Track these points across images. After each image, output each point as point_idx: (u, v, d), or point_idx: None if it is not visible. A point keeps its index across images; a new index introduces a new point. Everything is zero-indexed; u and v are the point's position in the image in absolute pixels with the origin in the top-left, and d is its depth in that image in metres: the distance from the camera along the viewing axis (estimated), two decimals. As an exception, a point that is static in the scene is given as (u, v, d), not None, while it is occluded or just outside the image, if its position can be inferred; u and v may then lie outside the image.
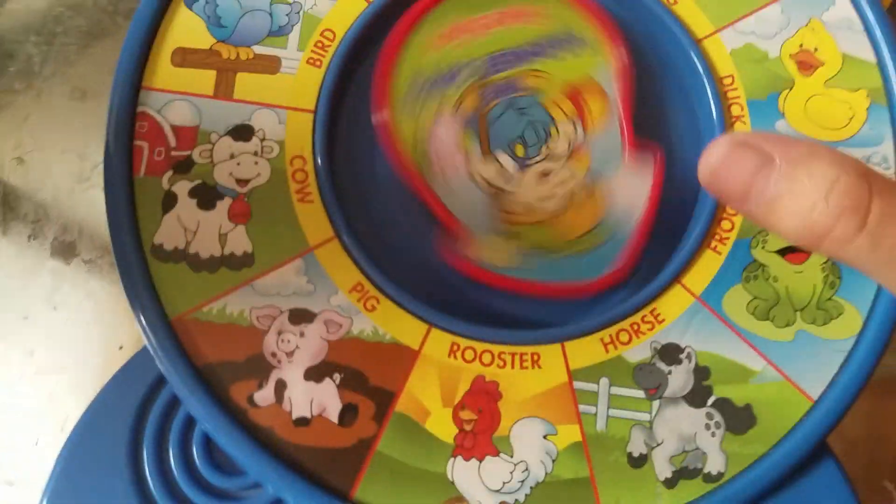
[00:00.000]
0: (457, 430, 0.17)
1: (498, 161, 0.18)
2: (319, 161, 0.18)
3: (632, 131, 0.18)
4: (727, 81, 0.19)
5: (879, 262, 0.13)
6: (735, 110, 0.19)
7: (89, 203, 0.25)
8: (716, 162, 0.14)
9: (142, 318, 0.17)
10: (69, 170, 0.25)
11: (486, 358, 0.18)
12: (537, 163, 0.18)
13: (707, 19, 0.19)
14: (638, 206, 0.18)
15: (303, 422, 0.17)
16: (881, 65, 0.19)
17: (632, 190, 0.18)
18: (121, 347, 0.23)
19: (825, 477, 0.17)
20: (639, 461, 0.17)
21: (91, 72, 0.25)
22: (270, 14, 0.18)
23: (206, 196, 0.18)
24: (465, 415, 0.17)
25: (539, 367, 0.18)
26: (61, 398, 0.23)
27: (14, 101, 0.25)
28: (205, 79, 0.18)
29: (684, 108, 0.19)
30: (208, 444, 0.17)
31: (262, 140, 0.18)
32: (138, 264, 0.17)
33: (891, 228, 0.13)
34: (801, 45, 0.19)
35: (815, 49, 0.19)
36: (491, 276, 0.18)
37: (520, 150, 0.18)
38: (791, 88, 0.19)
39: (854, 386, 0.17)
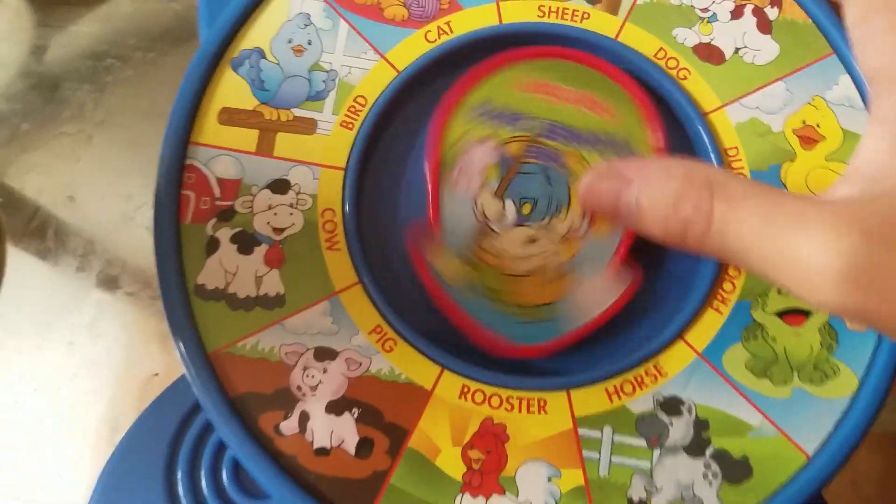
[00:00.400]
0: (465, 469, 0.18)
1: (503, 204, 0.20)
2: (347, 213, 0.20)
3: (625, 254, 0.19)
4: (731, 152, 0.21)
5: (730, 254, 0.15)
6: (738, 177, 0.20)
7: (133, 240, 0.27)
8: (585, 188, 0.17)
9: (182, 351, 0.19)
10: (116, 209, 0.27)
11: (495, 401, 0.19)
12: (533, 227, 0.20)
13: (714, 94, 0.21)
14: (592, 312, 0.19)
15: (323, 452, 0.18)
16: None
17: (595, 298, 0.19)
18: (156, 375, 0.25)
19: (820, 532, 0.18)
20: (638, 507, 0.18)
21: (138, 120, 0.28)
22: (309, 80, 0.21)
23: (246, 242, 0.20)
24: (474, 454, 0.19)
25: (545, 412, 0.19)
26: (100, 421, 0.25)
27: (66, 143, 0.28)
28: (248, 137, 0.20)
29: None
30: (236, 469, 0.19)
31: (298, 193, 0.20)
32: (182, 301, 0.19)
33: (732, 227, 0.15)
34: (803, 121, 0.21)
35: (818, 125, 0.20)
36: (434, 288, 0.19)
37: (526, 209, 0.20)
38: (793, 161, 0.20)
39: (849, 443, 0.18)
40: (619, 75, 0.20)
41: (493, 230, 0.20)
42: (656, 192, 0.16)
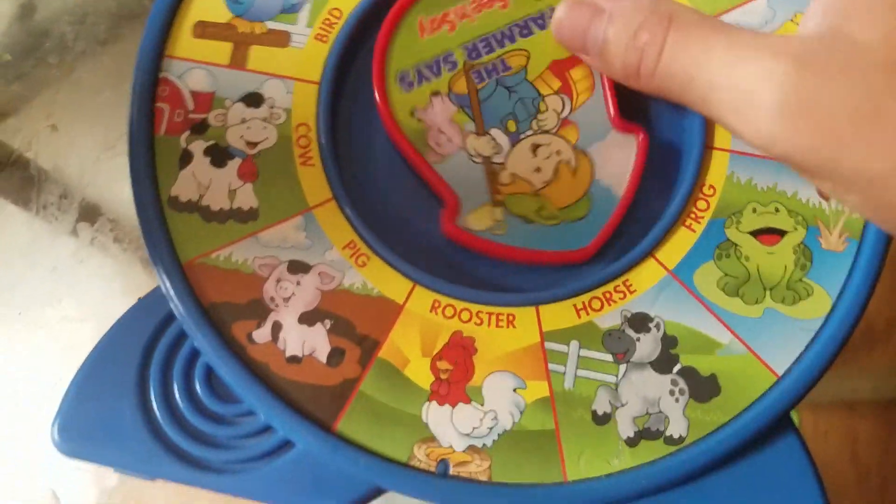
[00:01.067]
0: (433, 379, 0.19)
1: (492, 137, 0.20)
2: (322, 129, 0.20)
3: (616, 102, 0.19)
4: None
5: (676, 87, 0.16)
6: (718, 96, 0.20)
7: (114, 168, 0.27)
8: (559, 17, 0.18)
9: (157, 261, 0.19)
10: (96, 139, 0.28)
11: (465, 316, 0.19)
12: (528, 137, 0.20)
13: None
14: (622, 178, 0.19)
15: (295, 360, 0.19)
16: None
17: (616, 160, 0.19)
18: (140, 297, 0.26)
19: (787, 450, 0.19)
20: (603, 419, 0.18)
21: (119, 50, 0.28)
22: (285, -8, 0.20)
23: (219, 155, 0.20)
24: (442, 365, 0.19)
25: (514, 326, 0.19)
26: (83, 342, 0.25)
27: (48, 74, 0.28)
28: (222, 50, 0.20)
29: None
30: (209, 376, 0.19)
31: (272, 108, 0.20)
32: (156, 213, 0.20)
33: (681, 54, 0.15)
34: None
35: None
36: (479, 242, 0.19)
37: (511, 126, 0.20)
38: (774, 77, 0.20)
39: (819, 364, 0.19)
40: None
41: (498, 164, 0.20)
42: (622, 22, 0.17)
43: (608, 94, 0.20)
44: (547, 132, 0.20)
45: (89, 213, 0.27)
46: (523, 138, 0.20)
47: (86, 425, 0.19)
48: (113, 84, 0.28)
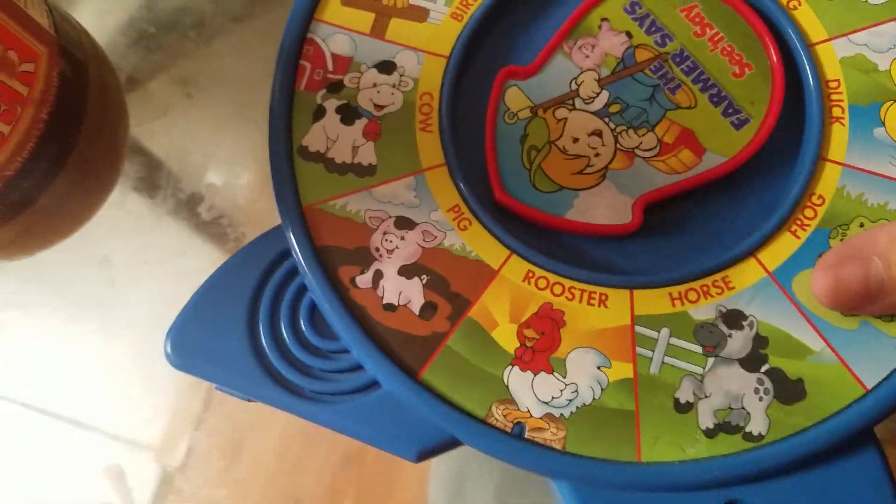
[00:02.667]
0: (518, 345, 0.20)
1: (600, 92, 0.21)
2: (444, 99, 0.22)
3: (655, 198, 0.21)
4: (833, 85, 0.21)
5: None
6: (836, 112, 0.21)
7: (244, 135, 0.30)
8: (827, 285, 0.19)
9: (281, 200, 0.21)
10: (227, 107, 0.30)
11: (557, 289, 0.20)
12: (608, 124, 0.21)
13: (822, 27, 0.22)
14: (584, 217, 0.21)
15: (390, 307, 0.20)
16: None
17: (593, 208, 0.21)
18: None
19: (866, 465, 0.18)
20: (684, 408, 0.19)
21: (252, 27, 0.30)
22: (429, -27, 0.23)
23: (349, 114, 0.22)
24: (529, 333, 0.20)
25: (605, 306, 0.20)
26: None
27: (186, 47, 0.30)
28: (365, 19, 0.23)
29: (789, 103, 0.21)
30: (312, 311, 0.21)
31: (402, 75, 0.22)
32: (286, 159, 0.22)
33: None
34: (912, 63, 0.21)
35: (927, 68, 0.21)
36: (528, 211, 0.21)
37: (615, 108, 0.21)
38: (895, 101, 0.21)
39: (912, 384, 0.18)
40: (758, 25, 0.21)
41: (573, 105, 0.21)
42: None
43: (664, 189, 0.21)
44: (617, 139, 0.21)
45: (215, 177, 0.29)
46: (605, 121, 0.21)
47: (196, 343, 0.21)
48: (245, 57, 0.31)
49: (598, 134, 0.21)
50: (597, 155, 0.21)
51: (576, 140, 0.21)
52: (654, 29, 0.22)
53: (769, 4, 0.22)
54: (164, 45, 0.30)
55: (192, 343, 0.21)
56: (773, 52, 0.21)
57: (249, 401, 0.21)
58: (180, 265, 0.28)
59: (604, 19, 0.22)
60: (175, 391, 0.28)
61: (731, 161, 0.21)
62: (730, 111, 0.21)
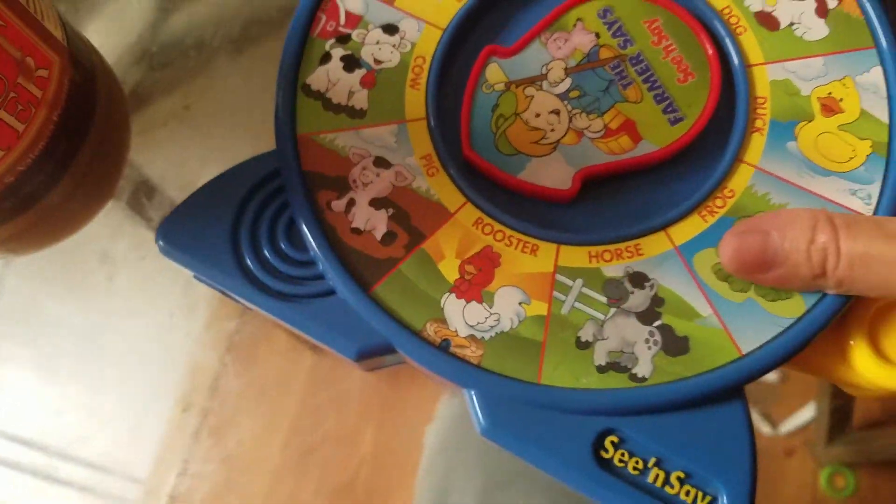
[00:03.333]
0: (458, 276, 0.24)
1: (564, 78, 0.25)
2: (434, 64, 0.26)
3: (591, 173, 0.25)
4: (760, 101, 0.25)
5: (863, 272, 0.20)
6: (758, 123, 0.25)
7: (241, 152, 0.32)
8: (732, 250, 0.22)
9: (280, 126, 0.25)
10: (223, 119, 0.33)
11: (499, 236, 0.24)
12: (565, 105, 0.25)
13: (761, 52, 0.25)
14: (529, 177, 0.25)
15: (357, 231, 0.24)
16: (892, 126, 0.24)
17: (539, 173, 0.25)
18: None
19: (731, 414, 0.22)
20: (584, 345, 0.23)
21: (251, 48, 0.33)
22: (438, -45, 0.27)
23: (351, 63, 0.26)
24: (469, 268, 0.24)
25: (535, 255, 0.24)
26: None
27: (187, 65, 0.33)
28: (378, -13, 0.27)
29: (721, 112, 0.25)
30: (289, 226, 0.25)
31: (402, 38, 0.26)
32: (290, 91, 0.26)
33: (857, 242, 0.20)
34: (829, 93, 0.25)
35: (841, 99, 0.24)
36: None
37: (574, 94, 0.25)
38: (810, 122, 0.24)
39: (779, 354, 0.22)
40: (706, 42, 0.25)
41: (540, 86, 0.25)
42: (794, 232, 0.21)
43: (602, 167, 0.25)
44: (571, 119, 0.25)
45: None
46: (564, 102, 0.25)
47: (184, 236, 0.25)
48: (242, 75, 0.33)
49: (557, 113, 0.25)
50: (552, 130, 0.25)
51: (537, 115, 0.25)
52: (619, 33, 0.25)
53: (718, 27, 0.26)
54: (165, 63, 0.33)
55: (180, 236, 0.25)
56: (714, 65, 0.25)
57: (223, 293, 0.25)
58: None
59: (579, 19, 0.26)
60: (167, 421, 0.29)
61: (661, 150, 0.24)
62: (669, 110, 0.25)
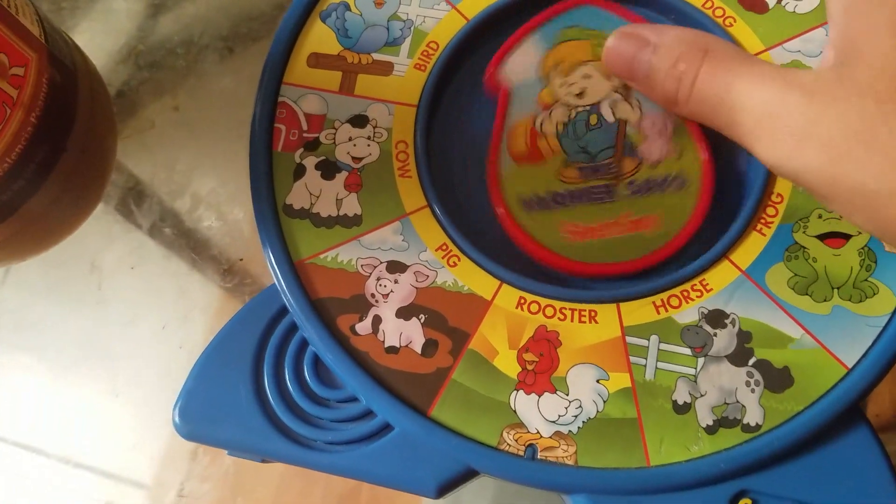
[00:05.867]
0: (520, 369, 0.22)
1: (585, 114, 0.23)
2: (418, 145, 0.24)
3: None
4: (775, 90, 0.23)
5: (707, 111, 0.19)
6: (781, 114, 0.23)
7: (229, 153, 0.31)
8: (609, 45, 0.21)
9: (272, 260, 0.23)
10: (212, 120, 0.31)
11: (549, 311, 0.22)
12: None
13: (758, 40, 0.24)
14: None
15: (393, 350, 0.22)
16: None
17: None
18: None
19: (858, 439, 0.20)
20: (683, 408, 0.21)
21: (239, 45, 0.32)
22: (387, 28, 0.25)
23: (328, 169, 0.24)
24: (528, 357, 0.22)
25: (596, 322, 0.22)
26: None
27: (175, 64, 0.32)
28: (333, 78, 0.24)
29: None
30: (316, 363, 0.23)
31: (375, 127, 0.24)
32: (272, 218, 0.23)
33: (712, 82, 0.19)
34: (843, 61, 0.23)
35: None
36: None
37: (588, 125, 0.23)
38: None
39: (886, 357, 0.21)
40: None
41: (560, 88, 0.23)
42: (664, 52, 0.20)
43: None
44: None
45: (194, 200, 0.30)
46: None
47: (204, 409, 0.22)
48: (231, 74, 0.32)
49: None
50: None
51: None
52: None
53: (706, 23, 0.24)
54: (153, 63, 0.32)
55: (199, 410, 0.22)
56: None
57: (264, 461, 0.22)
58: (167, 268, 0.29)
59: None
60: (171, 429, 0.28)
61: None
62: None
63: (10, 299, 0.30)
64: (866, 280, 0.22)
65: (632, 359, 0.22)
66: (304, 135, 0.24)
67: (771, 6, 0.24)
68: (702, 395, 0.21)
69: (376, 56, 0.25)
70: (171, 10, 0.33)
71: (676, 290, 0.22)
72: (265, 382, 0.23)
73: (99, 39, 0.32)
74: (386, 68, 0.25)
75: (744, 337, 0.21)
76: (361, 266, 0.23)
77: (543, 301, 0.22)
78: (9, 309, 0.30)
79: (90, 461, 0.29)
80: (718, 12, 0.25)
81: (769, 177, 0.23)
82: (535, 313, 0.22)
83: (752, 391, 0.21)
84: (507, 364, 0.22)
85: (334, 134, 0.24)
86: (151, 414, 0.29)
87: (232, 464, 0.28)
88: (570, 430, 0.21)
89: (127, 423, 0.29)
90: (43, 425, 0.29)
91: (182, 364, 0.28)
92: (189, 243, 0.29)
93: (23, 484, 0.28)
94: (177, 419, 0.22)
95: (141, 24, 0.33)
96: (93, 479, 0.28)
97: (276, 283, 0.23)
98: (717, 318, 0.22)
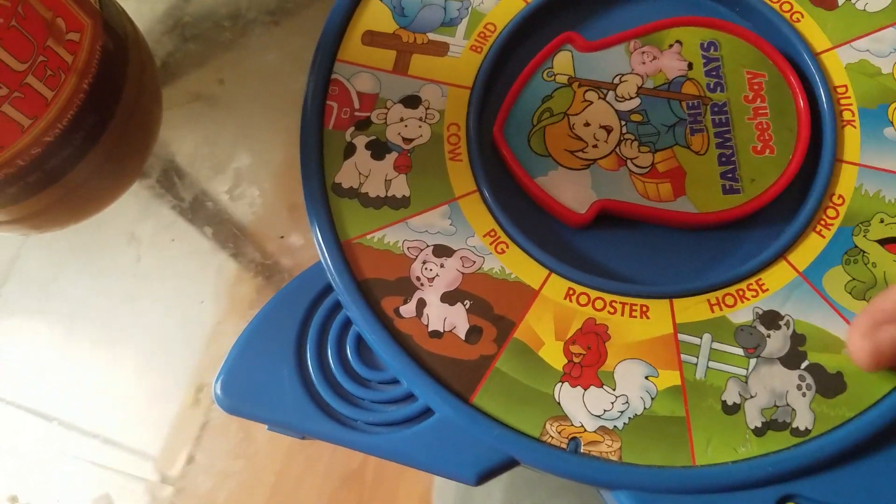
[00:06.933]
0: (566, 361, 0.21)
1: (633, 97, 0.23)
2: (471, 128, 0.24)
3: (593, 212, 0.23)
4: (841, 90, 0.23)
5: None
6: (847, 115, 0.23)
7: (272, 122, 0.31)
8: (862, 349, 0.20)
9: (319, 239, 0.23)
10: (256, 95, 0.31)
11: (599, 304, 0.22)
12: (623, 133, 0.23)
13: (826, 37, 0.24)
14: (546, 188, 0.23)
15: (436, 335, 0.22)
16: None
17: (558, 186, 0.23)
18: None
19: (913, 450, 0.20)
20: (732, 409, 0.21)
21: (286, 19, 0.32)
22: (444, 9, 0.25)
23: (379, 149, 0.24)
24: (575, 349, 0.22)
25: (647, 317, 0.22)
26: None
27: (221, 36, 0.32)
28: (387, 57, 0.24)
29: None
30: (359, 344, 0.23)
31: (427, 109, 0.24)
32: (321, 196, 0.23)
33: None
34: (912, 64, 0.23)
35: (926, 68, 0.23)
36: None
37: (636, 118, 0.23)
38: (901, 99, 0.23)
39: (947, 368, 0.20)
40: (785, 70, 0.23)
41: (604, 94, 0.23)
42: None
43: (613, 204, 0.23)
44: (619, 144, 0.23)
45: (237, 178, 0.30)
46: (622, 122, 0.23)
47: (245, 384, 0.22)
48: (278, 49, 0.31)
49: (608, 130, 0.23)
50: (594, 146, 0.23)
51: (587, 124, 0.23)
52: (714, 73, 0.23)
53: (773, 18, 0.24)
54: (198, 35, 0.32)
55: (241, 385, 0.22)
56: (802, 137, 0.22)
57: (304, 438, 0.23)
58: (204, 244, 0.29)
59: (678, 41, 0.24)
60: (181, 400, 0.29)
61: (697, 215, 0.22)
62: (728, 176, 0.23)
63: (35, 267, 0.30)
64: (928, 288, 0.21)
65: (683, 357, 0.21)
66: (356, 113, 0.24)
67: (840, 3, 0.24)
68: (752, 397, 0.21)
69: (432, 36, 0.25)
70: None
71: (732, 289, 0.22)
72: (307, 360, 0.23)
73: (143, 8, 0.32)
74: (441, 49, 0.24)
75: (798, 340, 0.21)
76: (408, 248, 0.23)
77: (593, 293, 0.22)
78: (32, 277, 0.30)
79: (102, 427, 0.29)
80: (786, 6, 0.24)
81: (831, 177, 0.22)
82: (584, 305, 0.22)
83: (804, 395, 0.21)
84: (553, 355, 0.22)
85: (386, 114, 0.24)
86: (177, 387, 0.29)
87: (239, 439, 0.28)
88: (615, 426, 0.21)
89: (145, 395, 0.29)
90: (60, 394, 0.29)
91: (221, 339, 0.29)
92: (230, 219, 0.30)
93: (45, 455, 0.29)
94: (218, 392, 0.22)
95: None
96: (104, 451, 0.29)
97: (323, 261, 0.23)
98: (771, 319, 0.21)
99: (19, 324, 0.30)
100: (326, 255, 0.23)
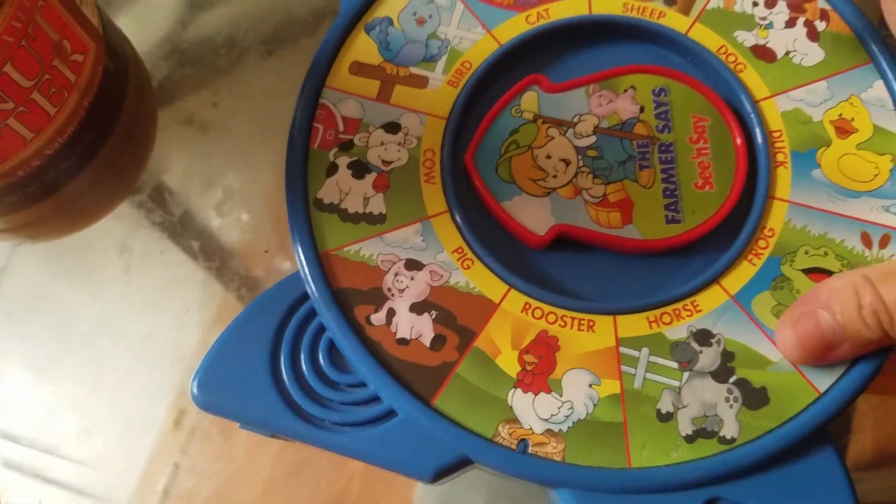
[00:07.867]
0: (520, 369, 0.24)
1: (590, 136, 0.26)
2: (445, 154, 0.26)
3: (548, 237, 0.25)
4: (776, 135, 0.26)
5: None
6: (780, 157, 0.26)
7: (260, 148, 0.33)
8: (787, 339, 0.23)
9: (299, 249, 0.25)
10: (249, 118, 0.33)
11: (551, 318, 0.24)
12: (580, 166, 0.26)
13: (765, 86, 0.27)
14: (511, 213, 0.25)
15: (403, 342, 0.24)
16: (906, 136, 0.25)
17: (520, 211, 0.25)
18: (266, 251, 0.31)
19: (824, 460, 0.23)
20: (666, 417, 0.23)
21: (281, 49, 0.34)
22: (426, 45, 0.27)
23: (359, 169, 0.26)
24: (529, 358, 0.24)
25: (593, 331, 0.24)
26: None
27: (217, 62, 0.34)
28: (371, 86, 0.27)
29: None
30: (330, 349, 0.25)
31: (406, 135, 0.26)
32: (303, 210, 0.26)
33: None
34: (840, 115, 0.26)
35: (852, 119, 0.26)
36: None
37: (592, 153, 0.26)
38: (828, 147, 0.26)
39: (854, 387, 0.23)
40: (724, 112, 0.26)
41: (565, 131, 0.26)
42: (839, 304, 0.21)
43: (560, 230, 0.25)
44: (575, 176, 0.25)
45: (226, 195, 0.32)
46: (579, 157, 0.26)
47: (221, 383, 0.24)
48: (272, 76, 0.34)
49: (567, 163, 0.26)
50: (554, 176, 0.26)
51: (548, 157, 0.26)
52: (663, 116, 0.26)
53: (719, 67, 0.27)
54: (195, 60, 0.34)
55: (217, 384, 0.24)
56: (737, 183, 0.25)
57: (274, 436, 0.25)
58: (192, 257, 0.31)
59: (633, 87, 0.26)
60: (160, 428, 0.30)
61: (641, 242, 0.25)
62: (671, 207, 0.25)
63: (21, 275, 0.32)
64: (844, 315, 0.24)
65: (623, 368, 0.24)
66: (340, 135, 0.27)
67: (779, 57, 0.27)
68: (684, 407, 0.23)
69: (414, 70, 0.27)
70: (214, 7, 0.35)
71: (669, 308, 0.24)
72: (281, 363, 0.25)
73: (142, 33, 0.34)
74: (421, 81, 0.27)
75: (727, 356, 0.24)
76: (381, 261, 0.25)
77: (547, 308, 0.25)
78: (26, 284, 0.31)
79: (81, 451, 0.29)
80: (731, 58, 0.27)
81: (763, 212, 0.25)
82: (539, 318, 0.25)
83: (731, 406, 0.23)
84: (509, 363, 0.24)
85: (368, 137, 0.27)
86: (150, 404, 0.30)
87: (217, 470, 0.29)
88: (560, 429, 0.23)
89: (124, 413, 0.30)
90: (37, 414, 0.30)
91: (203, 346, 0.30)
92: (218, 234, 0.32)
93: (11, 476, 0.29)
94: (195, 390, 0.24)
95: (184, 20, 0.35)
96: (80, 469, 0.29)
97: (301, 270, 0.25)
98: (704, 337, 0.24)
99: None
100: (304, 264, 0.25)
